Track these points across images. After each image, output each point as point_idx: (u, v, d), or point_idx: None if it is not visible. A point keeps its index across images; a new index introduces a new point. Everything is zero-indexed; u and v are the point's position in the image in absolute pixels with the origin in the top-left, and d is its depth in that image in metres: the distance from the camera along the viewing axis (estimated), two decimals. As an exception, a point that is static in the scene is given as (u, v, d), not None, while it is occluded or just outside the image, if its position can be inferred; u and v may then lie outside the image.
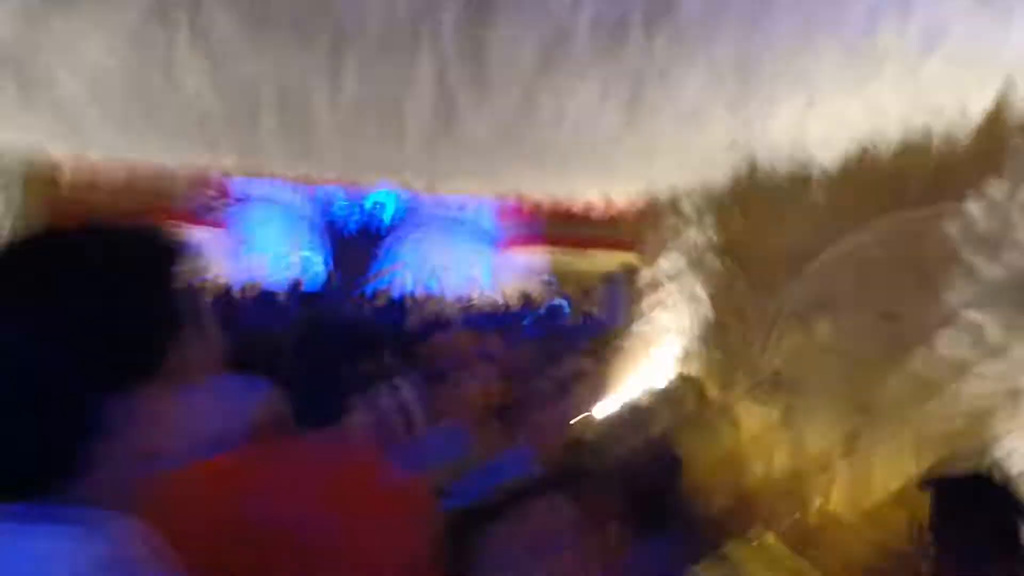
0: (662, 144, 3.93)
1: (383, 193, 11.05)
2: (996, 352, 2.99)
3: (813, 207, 4.27)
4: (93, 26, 2.43)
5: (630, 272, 7.32)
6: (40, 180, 5.66)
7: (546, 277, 12.40)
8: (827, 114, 3.33)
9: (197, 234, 13.66)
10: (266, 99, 3.12)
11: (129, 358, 0.78)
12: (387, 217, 10.92)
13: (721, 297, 5.30)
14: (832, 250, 4.18)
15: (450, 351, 4.11)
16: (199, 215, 12.77)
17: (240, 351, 2.80)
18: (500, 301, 13.81)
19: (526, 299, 12.42)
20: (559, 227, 12.99)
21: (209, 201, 13.10)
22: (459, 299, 13.65)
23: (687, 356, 5.74)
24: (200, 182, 12.79)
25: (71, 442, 0.74)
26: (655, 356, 5.91)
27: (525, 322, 9.72)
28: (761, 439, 4.24)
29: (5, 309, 0.76)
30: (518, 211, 14.20)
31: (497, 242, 14.89)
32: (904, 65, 2.87)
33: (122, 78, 2.93)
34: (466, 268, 17.87)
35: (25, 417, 0.72)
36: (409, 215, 11.43)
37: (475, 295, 16.25)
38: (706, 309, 5.51)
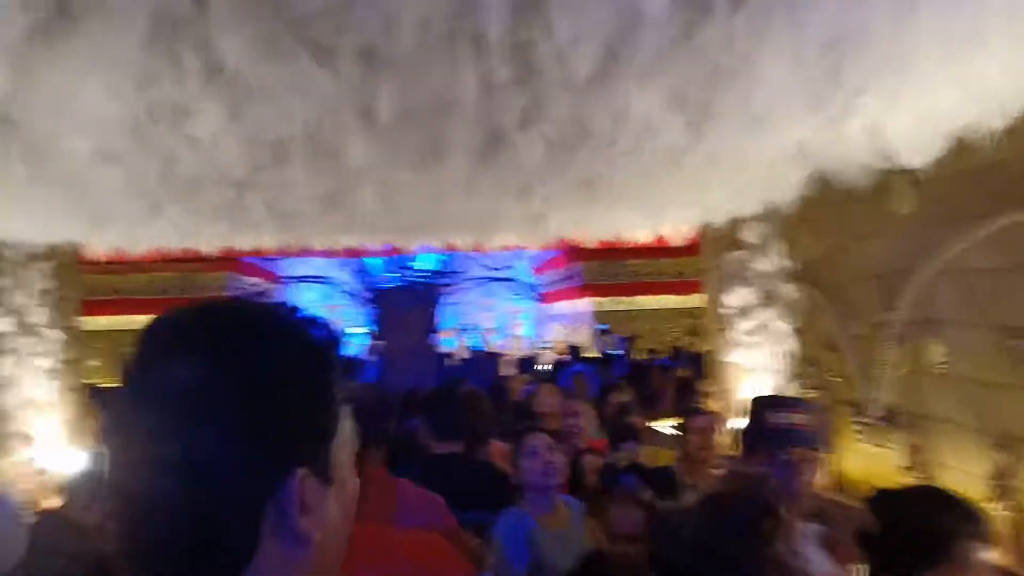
0: (725, 160, 3.44)
1: (424, 257, 10.72)
2: None
3: (902, 218, 3.74)
4: (90, 66, 2.05)
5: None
6: (66, 263, 5.33)
7: (599, 326, 11.86)
8: (920, 106, 2.84)
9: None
10: (295, 146, 2.72)
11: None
12: (429, 280, 10.59)
13: (806, 329, 4.76)
14: (930, 264, 3.63)
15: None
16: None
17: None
18: (548, 354, 13.33)
19: (574, 350, 11.91)
20: (602, 274, 12.51)
21: (249, 287, 12.93)
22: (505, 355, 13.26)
23: (771, 396, 5.17)
24: (237, 268, 12.66)
25: (243, 530, 0.72)
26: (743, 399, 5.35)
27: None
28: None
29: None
30: (558, 262, 13.78)
31: (540, 295, 14.43)
32: (1012, 40, 2.39)
33: (131, 130, 2.54)
34: (511, 324, 17.46)
35: (205, 505, 0.70)
36: (449, 276, 11.10)
37: (520, 350, 15.85)
38: (790, 344, 4.95)
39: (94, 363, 12.89)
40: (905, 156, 3.23)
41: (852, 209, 4.13)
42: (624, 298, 12.71)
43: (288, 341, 0.78)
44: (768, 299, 5.12)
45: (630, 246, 6.93)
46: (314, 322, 0.81)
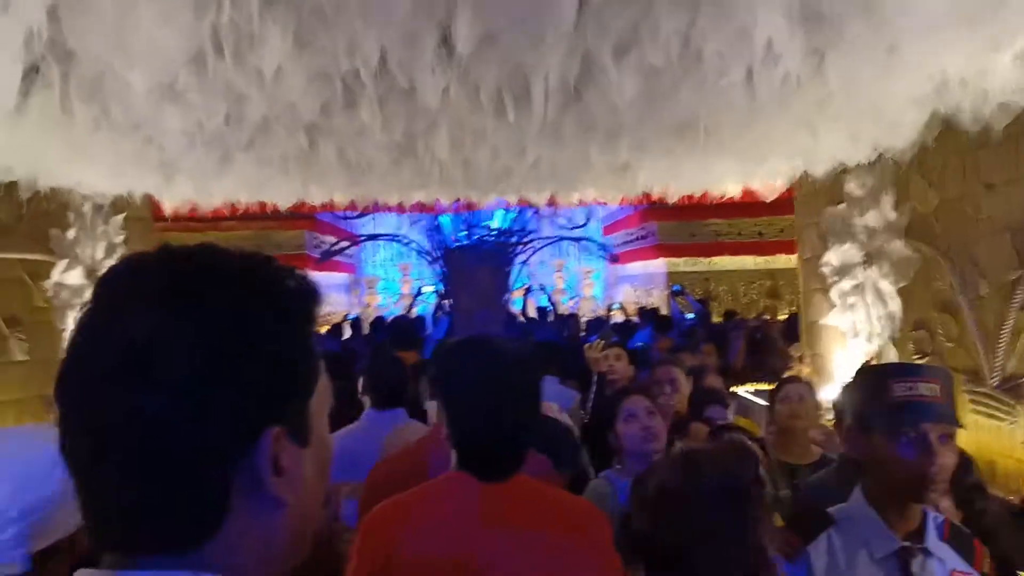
0: (846, 97, 3.02)
1: (496, 214, 10.42)
2: None
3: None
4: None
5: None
6: (138, 216, 5.22)
7: (674, 287, 11.40)
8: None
9: (319, 276, 13.55)
10: (366, 82, 2.43)
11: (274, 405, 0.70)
12: (500, 238, 10.30)
13: (918, 291, 4.29)
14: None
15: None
16: (318, 258, 12.58)
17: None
18: (614, 315, 12.96)
19: (643, 312, 11.52)
20: (676, 234, 12.00)
21: (323, 244, 12.92)
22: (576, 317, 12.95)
23: (878, 362, 4.72)
24: (312, 226, 12.63)
25: (211, 493, 0.67)
26: (840, 365, 4.93)
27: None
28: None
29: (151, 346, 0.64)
30: (631, 221, 13.31)
31: (611, 255, 14.02)
32: None
33: (191, 62, 2.29)
34: (581, 285, 17.09)
35: (165, 467, 0.65)
36: (518, 233, 10.80)
37: (589, 311, 15.51)
38: (896, 307, 4.49)
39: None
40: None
41: (979, 155, 3.63)
42: (700, 259, 12.19)
43: (259, 289, 0.72)
44: (873, 257, 4.65)
45: (708, 204, 6.50)
46: (291, 272, 0.75)
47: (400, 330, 7.64)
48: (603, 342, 4.21)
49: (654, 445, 2.80)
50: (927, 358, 4.28)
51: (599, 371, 4.05)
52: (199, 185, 4.48)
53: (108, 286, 0.70)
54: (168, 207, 5.44)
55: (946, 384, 1.83)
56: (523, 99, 2.64)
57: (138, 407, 0.64)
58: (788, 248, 11.57)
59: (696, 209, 9.07)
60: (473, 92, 2.57)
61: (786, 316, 11.26)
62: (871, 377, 1.81)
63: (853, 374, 1.92)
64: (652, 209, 10.13)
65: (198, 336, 0.65)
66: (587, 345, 4.32)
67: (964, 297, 3.89)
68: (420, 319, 10.74)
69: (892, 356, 4.62)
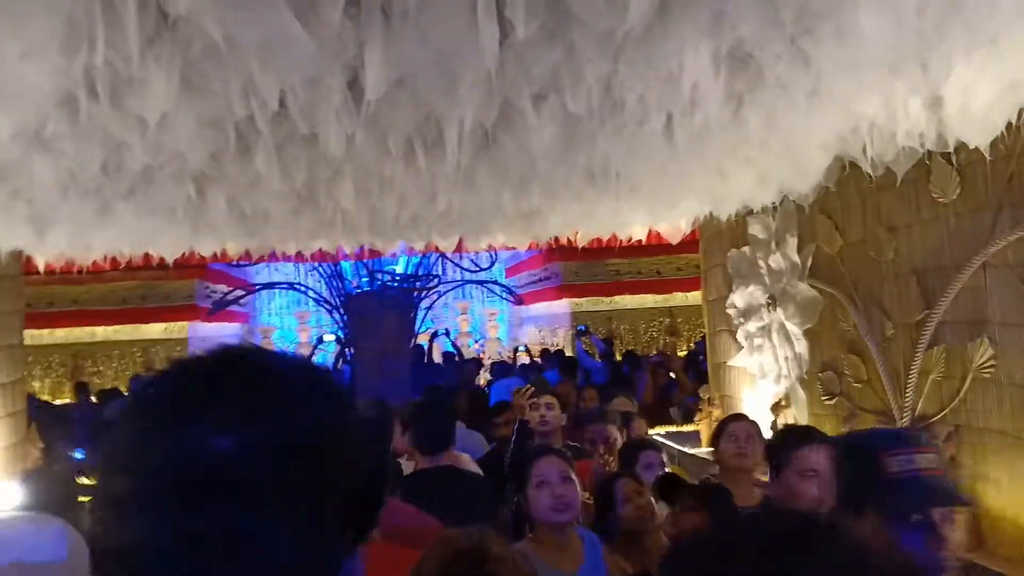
0: (762, 142, 3.00)
1: (400, 260, 10.16)
2: None
3: (947, 204, 3.33)
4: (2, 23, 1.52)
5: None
6: (5, 275, 4.72)
7: (579, 326, 11.40)
8: (999, 77, 2.41)
9: (210, 328, 12.85)
10: (261, 127, 2.20)
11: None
12: (404, 284, 10.04)
13: (824, 332, 4.34)
14: (982, 256, 3.22)
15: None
16: (209, 309, 11.93)
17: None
18: (519, 357, 12.85)
19: (547, 354, 11.46)
20: (579, 274, 12.07)
21: (214, 294, 12.27)
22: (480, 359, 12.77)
23: (788, 403, 4.74)
24: (203, 275, 11.99)
25: None
26: (750, 406, 4.92)
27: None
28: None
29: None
30: (534, 262, 13.31)
31: (515, 297, 13.95)
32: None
33: (62, 106, 2.01)
34: (484, 327, 16.94)
35: None
36: (422, 278, 10.57)
37: (495, 354, 15.34)
38: (803, 348, 4.52)
39: (49, 378, 12.16)
40: (966, 134, 2.81)
41: (881, 198, 3.71)
42: (603, 298, 12.29)
43: (338, 397, 0.70)
44: (778, 298, 4.70)
45: (609, 245, 6.51)
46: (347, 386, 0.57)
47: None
48: (531, 388, 3.99)
49: (565, 516, 2.60)
50: (835, 399, 4.32)
51: (521, 418, 3.84)
52: (75, 238, 4.07)
53: (170, 398, 0.66)
54: (40, 262, 4.96)
55: (939, 451, 1.65)
56: (435, 145, 2.48)
57: (236, 528, 0.61)
58: (686, 286, 11.84)
59: (598, 250, 9.11)
60: (381, 139, 2.38)
61: (685, 353, 11.49)
62: (859, 451, 1.62)
63: (844, 447, 1.67)
64: (555, 250, 10.13)
65: (289, 450, 0.62)
66: (514, 390, 4.10)
67: (871, 338, 3.94)
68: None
69: (800, 397, 4.65)
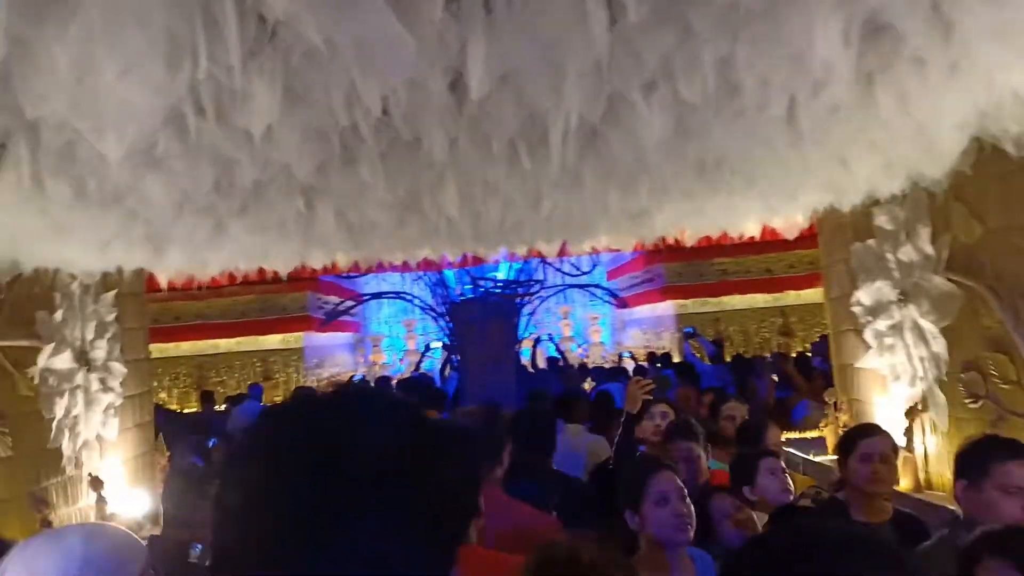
0: (878, 129, 2.75)
1: (501, 266, 10.15)
2: None
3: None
4: (100, 39, 1.52)
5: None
6: (130, 292, 4.93)
7: (686, 328, 11.05)
8: None
9: (323, 337, 13.23)
10: (366, 135, 2.15)
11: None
12: (506, 290, 10.01)
13: (964, 329, 3.97)
14: None
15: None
16: (322, 320, 12.30)
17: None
18: (625, 361, 12.58)
19: (652, 357, 11.15)
20: (684, 275, 11.71)
21: (326, 305, 12.64)
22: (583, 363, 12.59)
23: (925, 407, 4.37)
24: (315, 287, 12.36)
25: None
26: (882, 413, 4.58)
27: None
28: None
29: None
30: (636, 264, 13.04)
31: (618, 300, 13.71)
32: None
33: (169, 125, 2.03)
34: (587, 331, 16.74)
35: None
36: (524, 283, 10.51)
37: (599, 358, 15.11)
38: (940, 347, 4.16)
39: (177, 388, 12.81)
40: None
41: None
42: (710, 299, 11.89)
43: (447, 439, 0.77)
44: (910, 294, 4.34)
45: (715, 243, 6.24)
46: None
47: (418, 389, 7.31)
48: (648, 382, 3.78)
49: (687, 535, 2.44)
50: (980, 402, 3.94)
51: (630, 411, 3.65)
52: (192, 256, 4.20)
53: (305, 438, 0.72)
54: (162, 279, 5.17)
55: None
56: (539, 145, 2.37)
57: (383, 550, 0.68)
58: (798, 284, 11.30)
59: (702, 249, 8.80)
60: (484, 141, 2.29)
61: (796, 355, 10.90)
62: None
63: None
64: (658, 251, 9.87)
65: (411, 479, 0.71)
66: (631, 380, 3.96)
67: (1018, 334, 3.57)
68: (428, 376, 10.38)
69: (940, 401, 4.27)
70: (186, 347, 12.69)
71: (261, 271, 5.27)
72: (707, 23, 1.65)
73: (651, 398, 3.66)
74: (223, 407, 9.87)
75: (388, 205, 3.17)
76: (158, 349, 12.82)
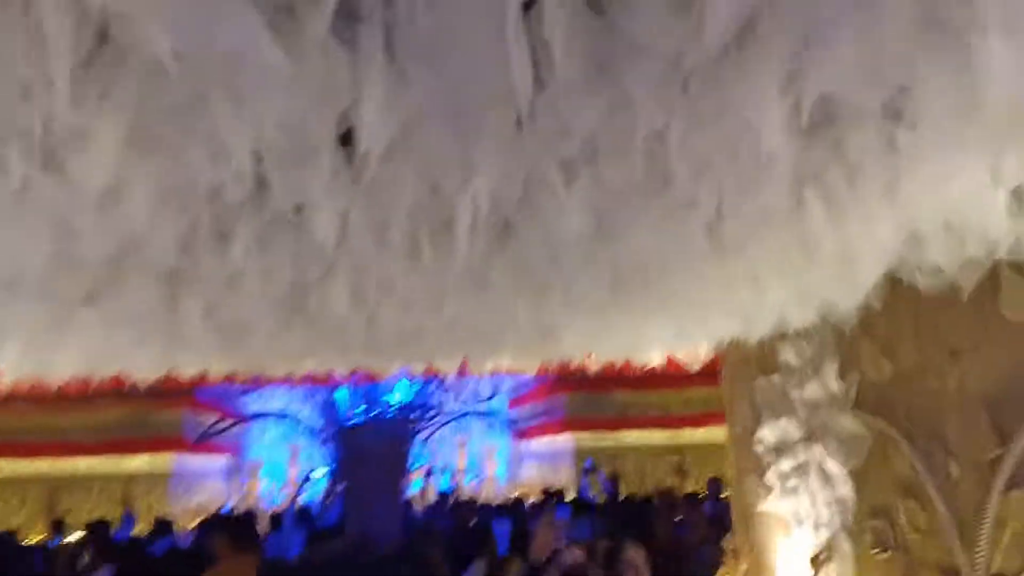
0: (806, 246, 2.59)
1: (397, 387, 9.59)
2: None
3: (1017, 325, 2.89)
4: None
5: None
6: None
7: (587, 462, 10.63)
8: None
9: (195, 461, 12.09)
10: (238, 206, 1.78)
11: None
12: (400, 415, 9.43)
13: (873, 473, 3.77)
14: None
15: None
16: (195, 441, 11.25)
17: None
18: (519, 494, 11.99)
19: (549, 492, 10.65)
20: (585, 406, 11.47)
21: (202, 424, 11.63)
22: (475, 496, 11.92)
23: (830, 556, 4.09)
24: (192, 404, 11.39)
25: None
26: (784, 561, 4.26)
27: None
28: None
29: None
30: (537, 393, 12.73)
31: (517, 430, 13.26)
32: None
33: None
34: (483, 462, 16.05)
35: None
36: (420, 408, 9.97)
37: (490, 491, 14.41)
38: (847, 491, 3.94)
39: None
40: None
41: (940, 318, 3.26)
42: (608, 434, 11.63)
43: None
44: (816, 433, 4.15)
45: (617, 375, 6.05)
46: None
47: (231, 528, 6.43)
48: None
49: None
50: (889, 552, 3.70)
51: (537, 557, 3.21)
52: (33, 352, 3.59)
53: None
54: (3, 380, 4.45)
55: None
56: (442, 233, 2.05)
57: None
58: (696, 422, 11.20)
59: (606, 380, 8.60)
60: (381, 223, 1.95)
61: (687, 495, 10.59)
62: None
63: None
64: (560, 380, 9.60)
65: None
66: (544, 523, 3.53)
67: (931, 480, 3.37)
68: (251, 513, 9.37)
69: (845, 549, 4.01)
70: (44, 466, 11.31)
71: (115, 381, 4.62)
72: (644, 85, 1.40)
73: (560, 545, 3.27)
74: (78, 536, 8.60)
75: (268, 299, 2.74)
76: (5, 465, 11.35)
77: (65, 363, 3.99)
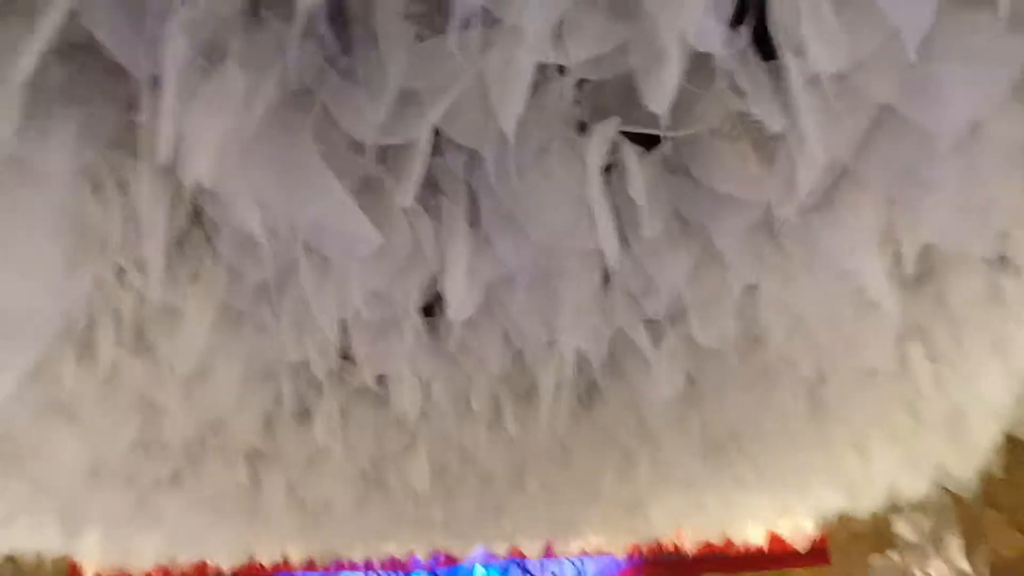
0: (914, 407, 2.39)
1: (474, 570, 9.08)
2: None
3: None
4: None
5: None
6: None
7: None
8: None
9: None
10: (315, 369, 1.75)
11: None
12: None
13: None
14: None
15: None
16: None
17: None
18: None
19: None
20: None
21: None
22: None
23: None
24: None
25: None
26: None
27: None
28: None
29: None
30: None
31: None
32: None
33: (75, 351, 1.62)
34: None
35: None
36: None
37: None
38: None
39: None
40: None
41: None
42: (704, 623, 10.59)
43: None
44: (948, 619, 3.66)
45: (712, 556, 5.57)
46: None
47: None
48: None
49: None
50: None
51: None
52: (115, 538, 3.54)
53: None
54: (87, 571, 4.38)
55: None
56: (525, 401, 1.97)
57: None
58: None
59: (700, 562, 7.96)
60: (462, 392, 1.89)
61: None
62: None
63: None
64: (650, 563, 8.94)
65: None
66: None
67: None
68: None
69: None
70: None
71: (199, 568, 4.51)
72: (732, 238, 1.35)
73: None
74: None
75: (347, 476, 2.67)
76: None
77: (146, 549, 3.92)
